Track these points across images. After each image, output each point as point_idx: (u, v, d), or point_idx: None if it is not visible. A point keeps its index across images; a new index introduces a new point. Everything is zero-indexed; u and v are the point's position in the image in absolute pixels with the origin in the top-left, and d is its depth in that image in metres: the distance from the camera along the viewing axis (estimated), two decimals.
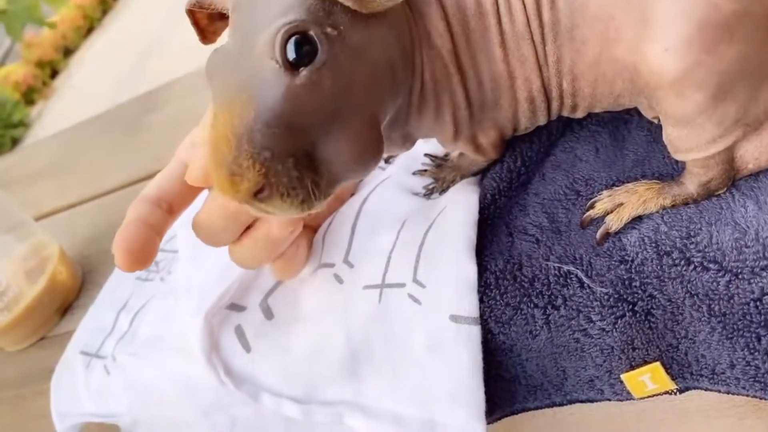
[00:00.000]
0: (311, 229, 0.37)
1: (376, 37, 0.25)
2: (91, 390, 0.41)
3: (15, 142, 4.22)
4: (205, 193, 0.34)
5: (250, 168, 0.23)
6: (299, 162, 0.24)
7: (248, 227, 0.31)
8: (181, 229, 0.45)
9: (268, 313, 0.37)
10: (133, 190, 0.62)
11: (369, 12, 0.24)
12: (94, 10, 5.16)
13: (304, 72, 0.24)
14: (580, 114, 0.30)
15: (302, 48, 0.24)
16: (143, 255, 0.29)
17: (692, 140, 0.26)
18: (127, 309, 0.44)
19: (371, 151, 0.26)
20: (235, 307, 0.38)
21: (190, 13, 0.29)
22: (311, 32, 0.24)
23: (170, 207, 0.32)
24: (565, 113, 0.30)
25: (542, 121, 0.31)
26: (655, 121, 0.31)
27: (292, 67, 0.24)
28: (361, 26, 0.25)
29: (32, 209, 0.68)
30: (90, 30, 5.17)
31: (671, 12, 0.23)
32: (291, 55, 0.24)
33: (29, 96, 4.68)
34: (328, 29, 0.24)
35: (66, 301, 0.51)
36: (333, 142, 0.25)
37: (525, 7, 0.26)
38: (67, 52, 5.05)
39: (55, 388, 0.43)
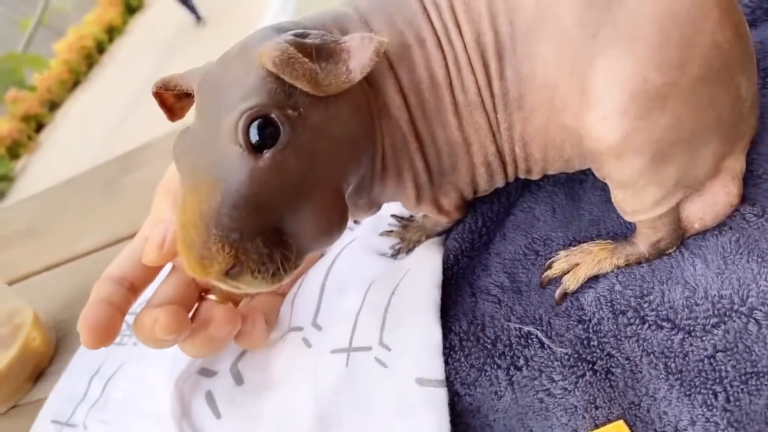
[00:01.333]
0: (276, 296, 0.38)
1: (336, 115, 0.26)
2: None
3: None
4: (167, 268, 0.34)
5: (219, 251, 0.24)
6: (268, 239, 0.25)
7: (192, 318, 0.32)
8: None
9: (239, 379, 0.37)
10: (108, 253, 0.62)
11: (326, 94, 0.25)
12: (80, 64, 5.23)
13: (267, 154, 0.24)
14: (535, 176, 0.31)
15: (265, 131, 0.24)
16: (107, 334, 0.30)
17: (637, 202, 0.27)
18: (99, 375, 0.44)
19: (337, 222, 0.27)
20: (206, 372, 0.38)
21: (157, 95, 0.30)
22: (273, 115, 0.24)
23: (132, 285, 0.32)
24: (521, 176, 0.31)
25: (500, 183, 0.32)
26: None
27: (256, 150, 0.24)
28: (321, 106, 0.26)
29: (7, 273, 0.68)
30: (75, 84, 5.23)
31: (606, 83, 0.25)
32: (254, 138, 0.24)
33: (14, 150, 4.69)
34: (289, 111, 0.25)
35: (39, 367, 0.50)
36: (300, 216, 0.26)
37: (476, 78, 0.27)
38: (53, 106, 5.09)
39: None
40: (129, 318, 0.48)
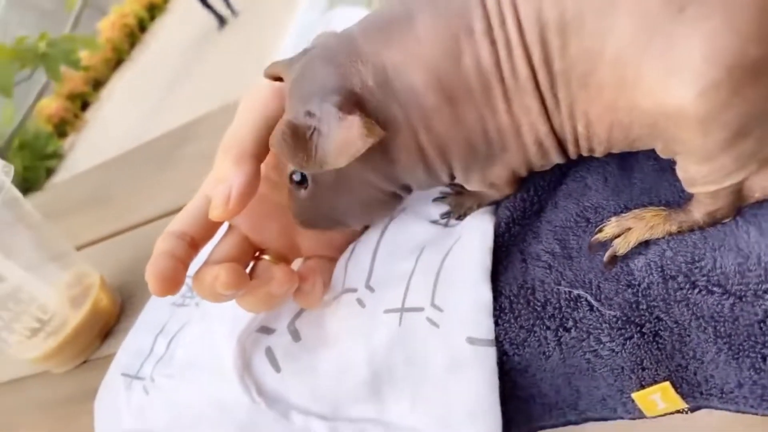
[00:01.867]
0: (328, 260, 0.39)
1: (351, 171, 0.32)
2: (131, 409, 0.44)
3: (49, 173, 4.34)
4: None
5: None
6: None
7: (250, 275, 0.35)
8: None
9: (296, 336, 0.39)
10: (164, 222, 0.65)
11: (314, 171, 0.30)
12: (123, 43, 5.33)
13: (303, 191, 0.33)
14: (598, 155, 0.31)
15: (302, 175, 0.33)
16: (172, 283, 0.33)
17: (710, 175, 0.27)
18: (164, 333, 0.47)
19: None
20: (266, 329, 0.40)
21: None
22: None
23: (192, 240, 0.35)
24: (585, 154, 0.32)
25: (558, 160, 0.32)
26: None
27: (298, 185, 0.33)
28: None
29: (73, 239, 0.72)
30: (119, 63, 5.33)
31: (700, 58, 0.24)
32: (296, 178, 0.33)
33: (61, 128, 4.83)
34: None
35: (107, 326, 0.54)
36: (344, 219, 0.36)
37: (531, 59, 0.28)
38: (97, 84, 5.21)
39: (99, 407, 0.46)
40: (188, 280, 0.51)
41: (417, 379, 0.34)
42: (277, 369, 0.38)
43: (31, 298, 0.48)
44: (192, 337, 0.44)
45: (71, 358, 0.52)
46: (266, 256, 0.36)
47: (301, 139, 0.29)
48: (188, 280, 0.50)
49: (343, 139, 0.28)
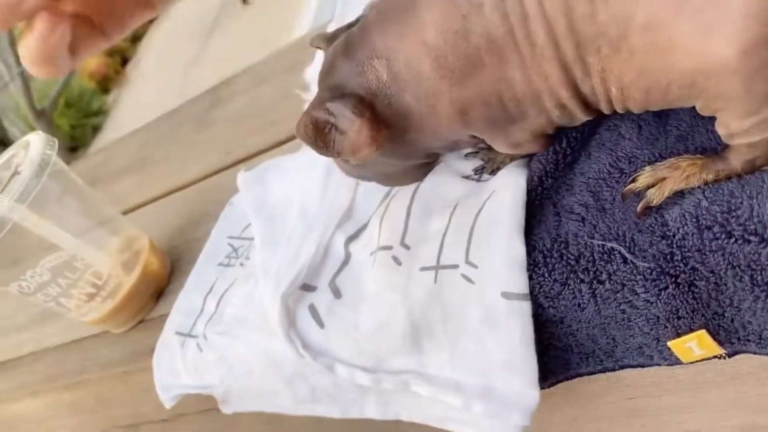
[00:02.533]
0: (84, 20, 0.29)
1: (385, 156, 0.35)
2: (187, 365, 0.47)
3: (96, 129, 4.43)
4: None
5: None
6: None
7: None
8: (255, 220, 0.49)
9: (337, 293, 0.40)
10: (208, 183, 0.67)
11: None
12: None
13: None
14: (636, 112, 0.31)
15: None
16: None
17: (752, 129, 0.27)
18: (213, 293, 0.49)
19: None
20: (308, 287, 0.42)
21: None
22: None
23: None
24: (620, 111, 0.31)
25: (587, 118, 0.31)
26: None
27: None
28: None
29: (119, 204, 0.74)
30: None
31: (739, 15, 0.24)
32: None
33: (104, 85, 4.90)
34: None
35: (159, 287, 0.57)
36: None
37: (551, 26, 0.27)
38: (135, 39, 5.23)
39: (157, 364, 0.49)
40: (233, 241, 0.52)
41: (454, 333, 0.35)
42: (321, 325, 0.40)
43: (86, 265, 0.50)
44: (239, 296, 0.47)
45: (127, 319, 0.55)
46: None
47: (321, 132, 0.32)
48: (233, 242, 0.52)
49: (353, 142, 0.31)
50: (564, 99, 0.29)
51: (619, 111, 0.30)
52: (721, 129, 0.28)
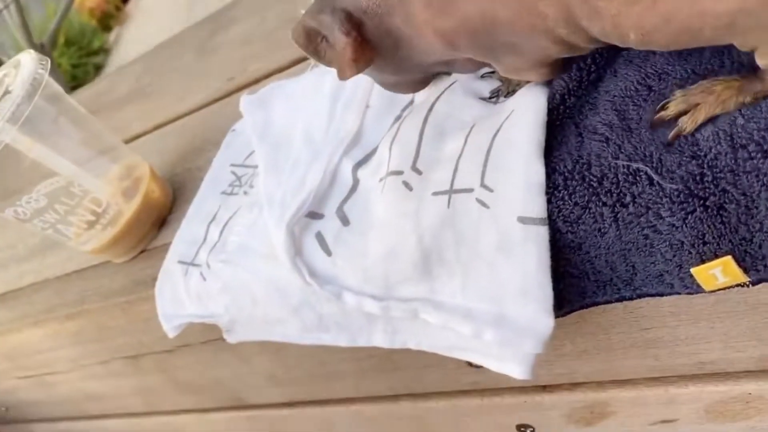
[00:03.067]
0: None
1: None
2: (190, 294, 0.46)
3: (98, 68, 4.36)
4: None
5: None
6: None
7: None
8: (259, 146, 0.47)
9: (345, 220, 0.39)
10: (210, 111, 0.64)
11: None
12: None
13: None
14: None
15: None
16: None
17: None
18: (216, 221, 0.48)
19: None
20: (314, 215, 0.40)
21: None
22: None
23: None
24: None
25: (594, 46, 0.29)
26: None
27: None
28: None
29: (121, 133, 0.72)
30: None
31: None
32: None
33: (105, 22, 4.79)
34: None
35: (161, 216, 0.55)
36: None
37: None
38: None
39: (159, 293, 0.48)
40: (236, 169, 0.51)
41: (467, 259, 0.34)
42: (328, 252, 0.38)
43: (84, 192, 0.49)
44: (243, 224, 0.45)
45: (129, 248, 0.54)
46: None
47: (312, 41, 0.33)
48: (236, 170, 0.51)
49: (339, 60, 0.32)
50: (563, 35, 0.27)
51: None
52: (760, 60, 0.26)
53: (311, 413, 0.56)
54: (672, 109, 0.29)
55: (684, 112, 0.28)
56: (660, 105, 0.29)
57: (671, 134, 0.28)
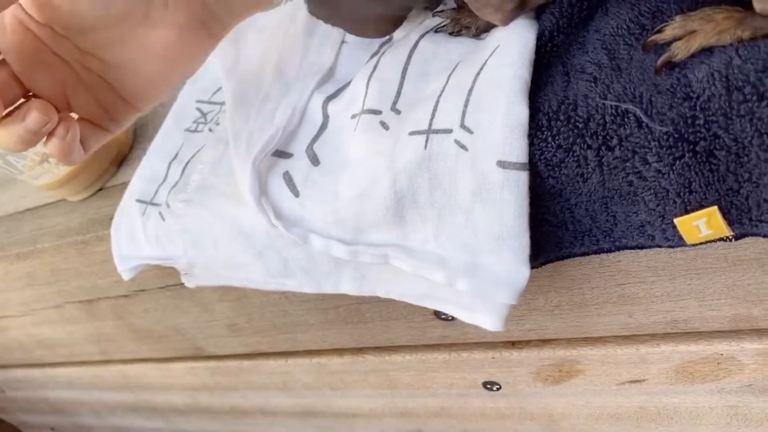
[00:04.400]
0: (95, 126, 0.35)
1: None
2: (148, 235, 0.43)
3: None
4: None
5: None
6: None
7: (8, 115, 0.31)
8: (227, 82, 0.45)
9: (314, 159, 0.37)
10: None
11: None
12: None
13: None
14: None
15: None
16: None
17: None
18: (178, 159, 0.45)
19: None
20: (282, 154, 0.38)
21: None
22: None
23: None
24: None
25: None
26: None
27: None
28: None
29: None
30: None
31: None
32: None
33: None
34: None
35: (120, 153, 0.52)
36: None
37: None
38: None
39: (115, 233, 0.45)
40: (202, 106, 0.48)
41: (442, 204, 0.32)
42: (296, 193, 0.36)
43: None
44: (206, 162, 0.43)
45: (85, 185, 0.51)
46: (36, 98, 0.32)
47: None
48: (201, 106, 0.48)
49: None
50: None
51: None
52: (759, 4, 0.24)
53: (273, 365, 0.55)
54: (668, 32, 0.27)
55: (679, 38, 0.27)
56: (657, 28, 0.28)
57: (660, 60, 0.27)
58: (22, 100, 0.32)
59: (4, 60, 0.32)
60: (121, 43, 0.32)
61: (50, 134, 0.32)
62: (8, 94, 0.31)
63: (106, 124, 0.35)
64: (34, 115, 0.30)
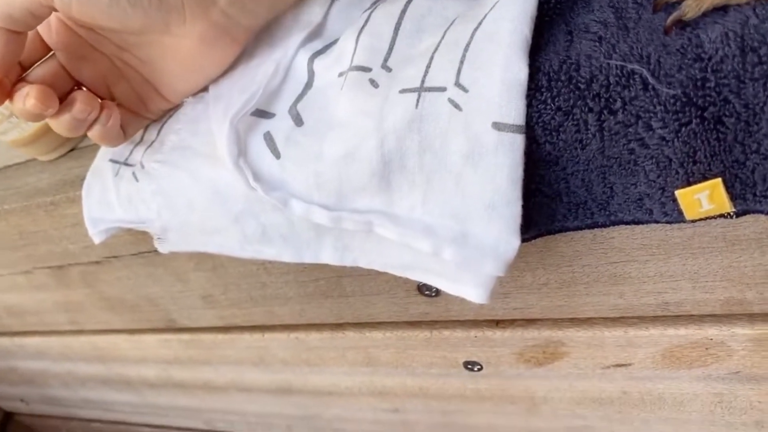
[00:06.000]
0: (135, 115, 0.40)
1: None
2: (120, 197, 0.41)
3: None
4: None
5: None
6: None
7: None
8: None
9: (298, 120, 0.35)
10: None
11: None
12: None
13: None
14: None
15: None
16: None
17: None
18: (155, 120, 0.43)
19: None
20: (264, 113, 0.36)
21: None
22: None
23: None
24: None
25: None
26: None
27: None
28: None
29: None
30: None
31: None
32: None
33: None
34: None
35: None
36: None
37: None
38: None
39: (87, 194, 0.43)
40: None
41: (432, 168, 0.30)
42: (277, 155, 0.34)
43: None
44: (184, 121, 0.40)
45: (57, 144, 0.49)
46: (84, 89, 0.37)
47: None
48: None
49: None
50: None
51: None
52: None
53: (249, 339, 0.53)
54: None
55: None
56: None
57: (670, 18, 0.25)
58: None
59: (54, 55, 0.36)
60: (150, 46, 0.36)
61: (94, 121, 0.36)
62: (60, 84, 0.36)
63: (143, 112, 0.40)
64: (78, 106, 0.35)
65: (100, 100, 0.37)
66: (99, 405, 0.78)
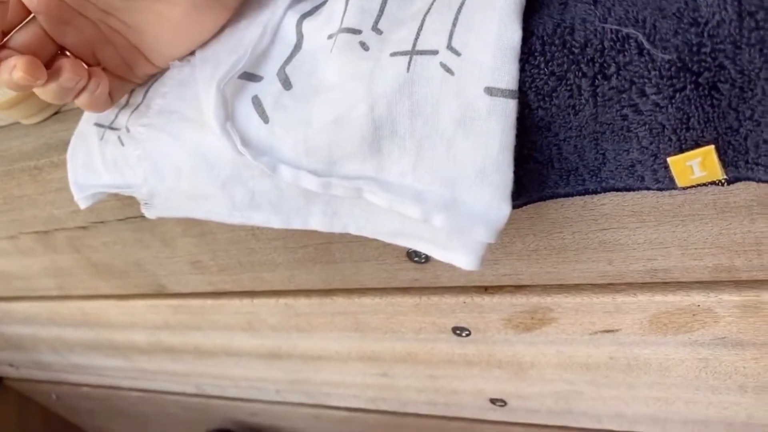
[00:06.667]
0: (122, 80, 0.39)
1: None
2: (106, 161, 0.40)
3: None
4: None
5: None
6: None
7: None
8: None
9: (287, 83, 0.34)
10: None
11: None
12: None
13: None
14: None
15: None
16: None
17: None
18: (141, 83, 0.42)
19: None
20: (251, 77, 0.35)
21: None
22: None
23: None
24: None
25: None
26: None
27: None
28: None
29: None
30: None
31: None
32: None
33: None
34: None
35: None
36: None
37: None
38: None
39: (71, 158, 0.42)
40: None
41: (423, 134, 0.30)
42: (265, 120, 0.34)
43: None
44: (170, 85, 0.40)
45: (41, 107, 0.47)
46: (68, 53, 0.36)
47: None
48: None
49: None
50: None
51: None
52: None
53: (238, 305, 0.53)
54: None
55: None
56: None
57: None
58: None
59: (34, 18, 0.35)
60: (138, 11, 0.35)
61: (82, 89, 0.36)
62: (43, 50, 0.35)
63: (129, 77, 0.39)
64: (66, 75, 0.34)
65: (87, 67, 0.36)
66: (88, 370, 0.78)
